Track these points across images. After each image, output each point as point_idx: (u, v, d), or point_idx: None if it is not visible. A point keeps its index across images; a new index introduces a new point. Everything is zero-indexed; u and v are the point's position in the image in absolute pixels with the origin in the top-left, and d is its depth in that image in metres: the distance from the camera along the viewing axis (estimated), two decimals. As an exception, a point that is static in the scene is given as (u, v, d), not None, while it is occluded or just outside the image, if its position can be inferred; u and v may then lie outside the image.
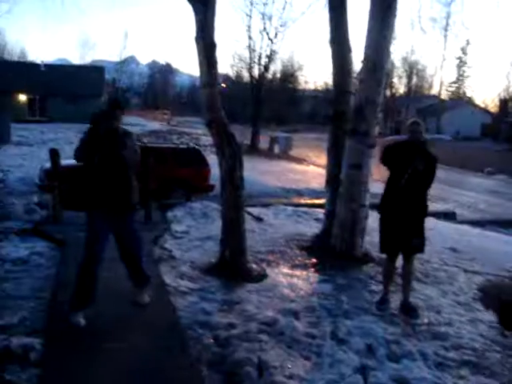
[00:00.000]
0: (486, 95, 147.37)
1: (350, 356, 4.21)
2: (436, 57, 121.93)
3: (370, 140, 6.98)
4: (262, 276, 6.16)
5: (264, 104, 37.60)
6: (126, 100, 49.13)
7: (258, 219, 9.28)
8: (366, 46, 6.94)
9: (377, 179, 7.19)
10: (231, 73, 47.66)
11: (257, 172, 17.54)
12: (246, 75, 39.53)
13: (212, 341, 4.40)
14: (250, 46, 33.69)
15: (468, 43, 68.14)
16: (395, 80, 64.41)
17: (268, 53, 33.54)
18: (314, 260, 6.92)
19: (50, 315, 4.76)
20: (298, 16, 32.13)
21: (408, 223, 5.17)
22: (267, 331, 4.56)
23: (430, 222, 5.52)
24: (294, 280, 6.11)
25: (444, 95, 68.03)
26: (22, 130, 28.18)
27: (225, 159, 6.28)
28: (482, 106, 67.51)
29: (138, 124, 37.60)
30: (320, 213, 9.10)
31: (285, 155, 30.89)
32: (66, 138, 26.58)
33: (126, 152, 4.59)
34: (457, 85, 73.55)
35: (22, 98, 40.80)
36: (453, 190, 19.85)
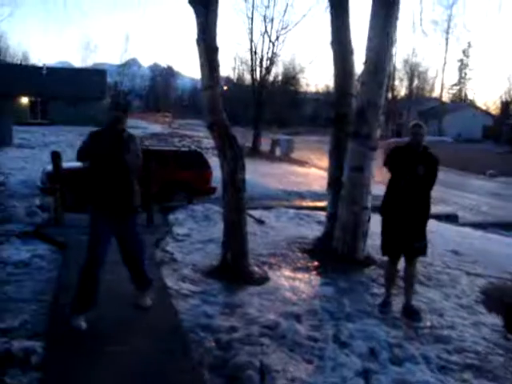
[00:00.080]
0: (487, 97, 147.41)
1: (353, 359, 4.19)
2: (437, 59, 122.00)
3: (371, 142, 6.97)
4: (264, 279, 6.14)
5: (265, 106, 37.69)
6: (128, 103, 49.13)
7: (260, 222, 9.27)
8: (367, 48, 6.93)
9: (379, 181, 7.18)
10: (233, 75, 47.82)
11: (258, 174, 17.55)
12: (247, 78, 39.80)
13: (214, 344, 4.38)
14: (251, 49, 33.88)
15: (469, 46, 68.38)
16: (396, 82, 64.44)
17: (269, 55, 33.66)
18: (316, 263, 6.90)
19: (52, 318, 4.74)
20: (299, 18, 32.24)
21: (410, 226, 5.15)
22: (269, 334, 4.54)
23: (431, 225, 5.51)
24: (295, 283, 6.09)
25: (445, 97, 68.24)
26: (23, 133, 28.19)
27: (226, 161, 6.27)
28: (484, 108, 67.50)
29: (139, 127, 37.54)
30: (322, 215, 9.09)
31: (286, 158, 30.92)
32: (68, 141, 26.60)
33: (129, 156, 4.59)
34: (458, 87, 73.75)
35: (24, 100, 40.81)
36: (454, 193, 19.84)
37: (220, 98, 6.34)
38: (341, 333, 4.68)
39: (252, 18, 33.30)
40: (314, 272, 6.58)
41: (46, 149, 21.29)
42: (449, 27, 38.50)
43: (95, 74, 45.99)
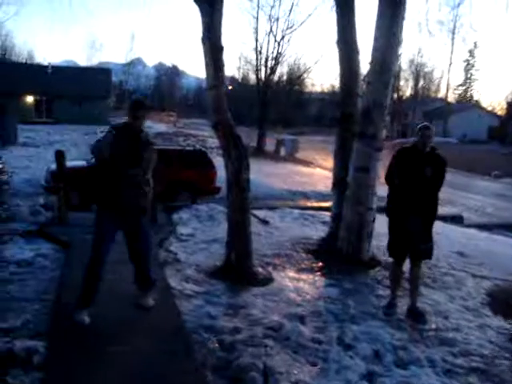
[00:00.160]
0: (493, 98, 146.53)
1: (357, 362, 4.15)
2: (443, 59, 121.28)
3: (377, 143, 6.92)
4: (268, 280, 6.11)
5: (270, 106, 37.62)
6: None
7: (264, 222, 9.23)
8: (373, 48, 6.89)
9: (384, 182, 7.12)
10: (238, 75, 47.76)
11: (263, 174, 17.51)
12: (252, 77, 39.69)
13: (217, 345, 4.35)
14: (256, 49, 33.82)
15: (476, 46, 68.03)
16: (402, 83, 64.18)
17: (275, 55, 33.60)
18: (321, 264, 6.86)
19: (54, 318, 4.72)
20: (304, 18, 32.18)
21: (417, 227, 5.10)
22: (273, 336, 4.51)
23: (437, 226, 5.45)
24: (300, 284, 6.06)
25: (451, 98, 67.96)
26: (28, 132, 28.28)
27: (231, 161, 6.24)
28: (490, 108, 67.22)
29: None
30: (326, 216, 9.05)
31: (291, 158, 30.87)
32: (72, 140, 26.70)
33: (147, 155, 4.64)
34: (464, 88, 73.41)
35: (29, 99, 40.95)
36: (460, 194, 19.74)
37: (225, 97, 6.32)
38: (345, 335, 4.65)
39: (257, 18, 33.28)
40: (319, 273, 6.54)
41: (51, 147, 21.33)
42: (455, 27, 38.14)
43: (100, 73, 46.08)
